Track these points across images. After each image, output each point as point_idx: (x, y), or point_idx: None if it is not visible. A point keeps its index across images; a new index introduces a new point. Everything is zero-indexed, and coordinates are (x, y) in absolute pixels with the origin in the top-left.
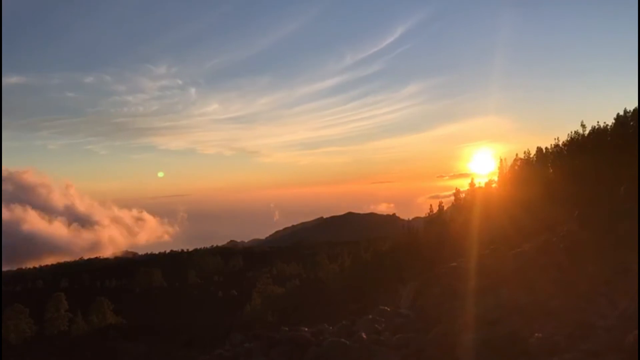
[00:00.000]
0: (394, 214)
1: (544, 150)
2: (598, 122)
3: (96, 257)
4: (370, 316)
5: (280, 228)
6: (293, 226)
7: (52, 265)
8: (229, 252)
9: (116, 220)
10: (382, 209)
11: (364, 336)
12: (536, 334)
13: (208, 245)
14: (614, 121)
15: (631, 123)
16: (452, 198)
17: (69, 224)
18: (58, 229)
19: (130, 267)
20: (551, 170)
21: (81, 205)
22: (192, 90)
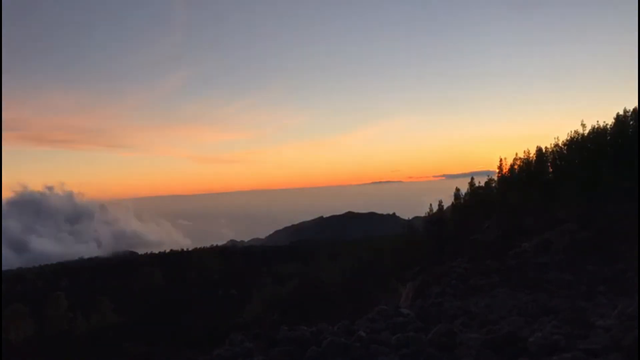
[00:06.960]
0: (394, 214)
1: (544, 150)
2: (598, 121)
3: (96, 257)
4: (370, 316)
5: (280, 228)
6: (293, 226)
7: (52, 265)
8: (229, 252)
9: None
10: (382, 208)
11: (364, 336)
12: (536, 334)
13: (208, 245)
14: (613, 121)
15: (631, 123)
16: (452, 197)
17: None
18: None
19: (130, 267)
20: (551, 170)
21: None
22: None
